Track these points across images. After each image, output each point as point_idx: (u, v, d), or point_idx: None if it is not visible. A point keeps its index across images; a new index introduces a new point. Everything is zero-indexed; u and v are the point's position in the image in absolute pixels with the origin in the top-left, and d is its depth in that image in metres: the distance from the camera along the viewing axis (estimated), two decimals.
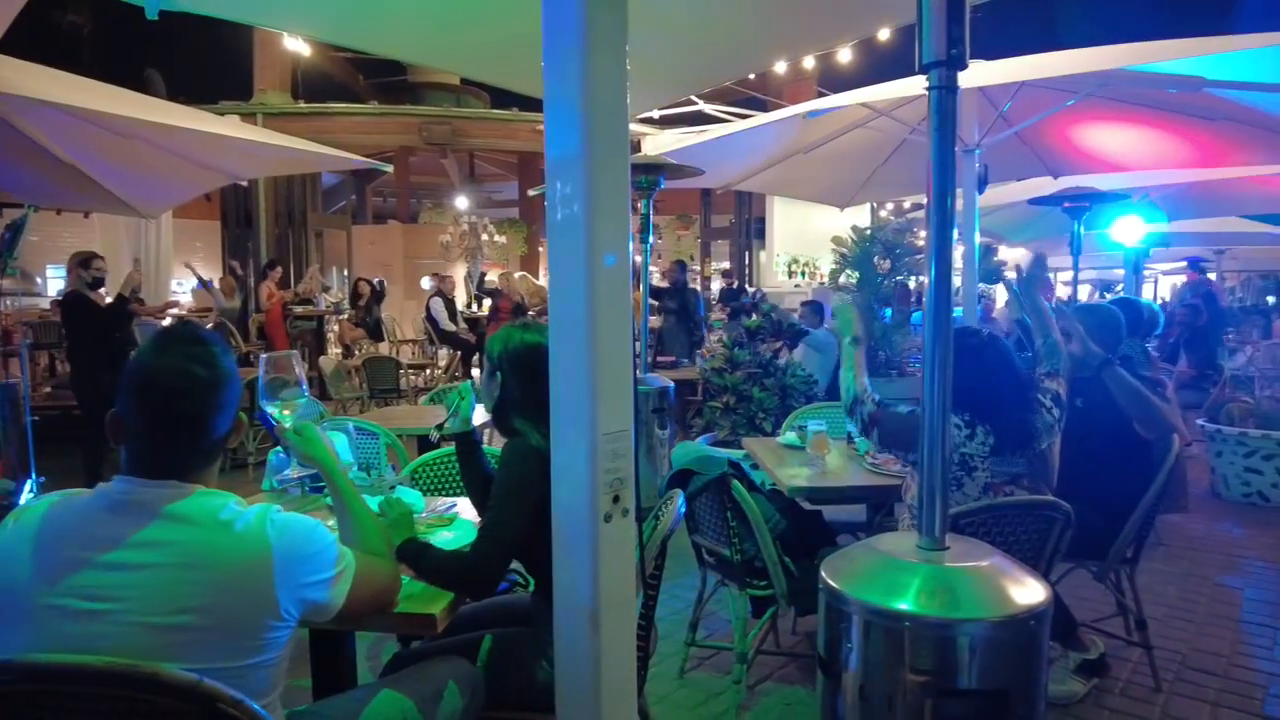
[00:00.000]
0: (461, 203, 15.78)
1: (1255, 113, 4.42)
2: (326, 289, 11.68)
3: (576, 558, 1.64)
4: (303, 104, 12.70)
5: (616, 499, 1.64)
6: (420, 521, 2.21)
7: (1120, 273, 11.85)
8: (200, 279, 9.83)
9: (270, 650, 1.29)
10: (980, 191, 4.65)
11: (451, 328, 10.91)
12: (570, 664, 1.70)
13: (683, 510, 2.25)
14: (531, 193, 8.25)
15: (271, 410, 1.81)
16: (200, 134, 4.53)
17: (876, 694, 1.48)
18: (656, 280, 9.94)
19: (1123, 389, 2.94)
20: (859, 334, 2.65)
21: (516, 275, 12.40)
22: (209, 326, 8.41)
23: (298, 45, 9.02)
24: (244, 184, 9.54)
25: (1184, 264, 13.45)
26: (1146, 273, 14.27)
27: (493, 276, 13.36)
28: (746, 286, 12.91)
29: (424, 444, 4.20)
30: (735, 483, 2.69)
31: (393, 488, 2.49)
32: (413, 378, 9.36)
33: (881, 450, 2.65)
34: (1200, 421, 5.80)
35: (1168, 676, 2.98)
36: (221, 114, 9.44)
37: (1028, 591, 1.47)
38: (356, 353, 10.25)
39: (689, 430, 6.73)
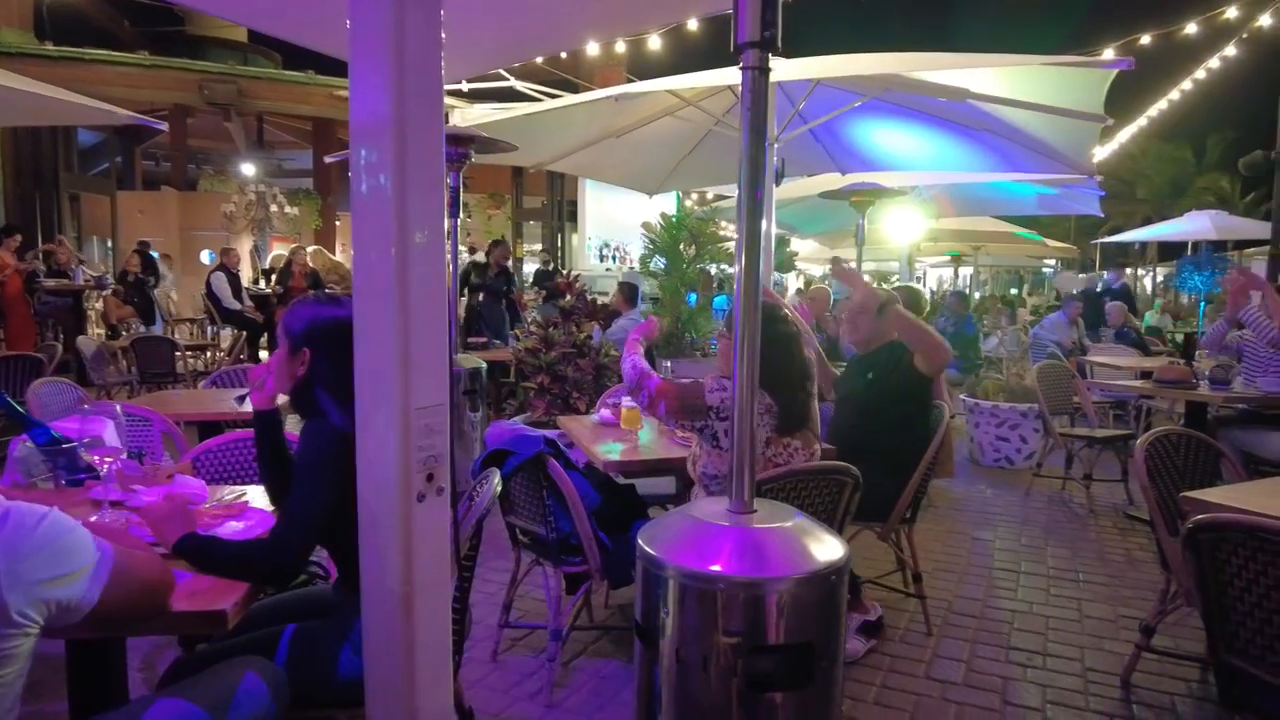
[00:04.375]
0: (248, 170, 14.49)
1: (1007, 126, 5.02)
2: (83, 262, 10.27)
3: (386, 540, 1.55)
4: (50, 46, 11.07)
5: (430, 477, 1.58)
6: (205, 512, 2.00)
7: (896, 264, 13.09)
8: None
9: (2, 665, 1.11)
10: (777, 184, 4.91)
11: (236, 306, 10.01)
12: (379, 653, 1.61)
13: (498, 489, 2.20)
14: (329, 159, 7.71)
15: None
16: None
17: (692, 656, 1.52)
18: (471, 257, 9.67)
19: (902, 323, 3.27)
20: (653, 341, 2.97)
21: (310, 249, 11.58)
22: None
23: None
24: None
25: (948, 258, 15.08)
26: (916, 265, 15.85)
27: (281, 251, 12.43)
28: (560, 269, 12.90)
29: (205, 431, 3.83)
30: (551, 460, 2.68)
31: (170, 476, 2.25)
32: (191, 360, 8.51)
33: (669, 423, 2.76)
34: (962, 396, 6.54)
35: (937, 621, 3.35)
36: None
37: (828, 549, 1.58)
38: (125, 333, 9.16)
39: (502, 412, 6.64)
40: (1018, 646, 3.16)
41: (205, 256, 13.65)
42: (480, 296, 8.53)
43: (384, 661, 1.60)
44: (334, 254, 13.29)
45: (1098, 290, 12.15)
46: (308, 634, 1.82)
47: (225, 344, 10.31)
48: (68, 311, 9.01)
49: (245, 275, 11.57)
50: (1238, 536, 1.86)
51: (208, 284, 10.04)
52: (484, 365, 5.52)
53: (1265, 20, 8.49)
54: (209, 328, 10.54)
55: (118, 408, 2.34)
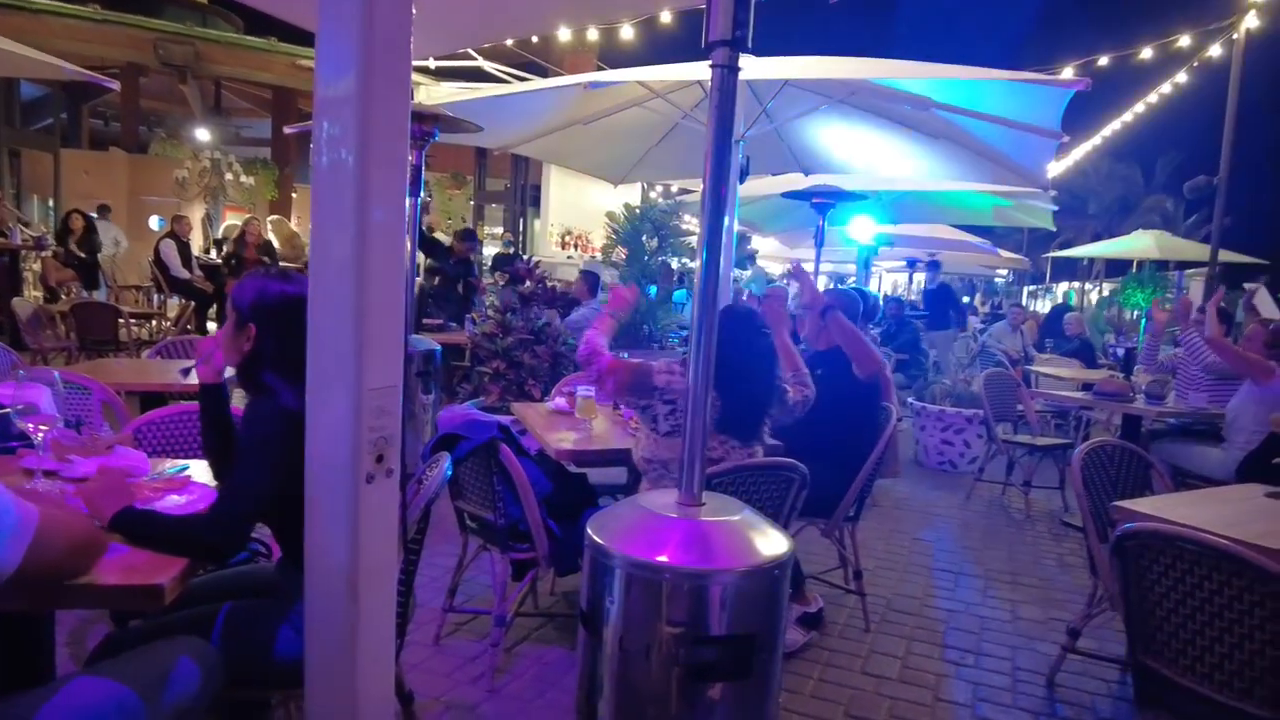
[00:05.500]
0: (203, 135, 14.06)
1: (968, 137, 5.12)
2: (25, 223, 9.87)
3: (333, 521, 1.54)
4: None
5: (380, 459, 1.57)
6: (145, 485, 1.96)
7: (852, 267, 13.27)
8: None
9: None
10: (741, 181, 4.94)
11: (185, 275, 9.73)
12: (322, 634, 1.60)
13: (449, 473, 2.19)
14: (289, 130, 7.51)
15: None
16: None
17: (635, 645, 1.54)
18: (444, 239, 9.52)
19: (840, 329, 3.37)
20: (624, 317, 3.02)
21: (271, 219, 11.32)
22: None
23: None
24: None
25: (904, 263, 15.35)
26: (873, 269, 16.09)
27: (235, 220, 12.13)
28: (520, 254, 12.81)
29: (148, 402, 3.74)
30: (503, 446, 2.68)
31: (110, 447, 2.19)
32: (135, 329, 8.25)
33: (616, 399, 2.80)
34: (910, 400, 6.68)
35: (875, 618, 3.43)
36: None
37: (772, 543, 1.61)
38: (64, 296, 8.85)
39: (455, 396, 6.58)
40: (952, 645, 3.25)
41: (154, 222, 13.23)
42: (436, 280, 8.43)
43: (326, 642, 1.59)
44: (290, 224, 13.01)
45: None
46: (247, 612, 1.80)
47: (172, 313, 10.03)
48: (2, 272, 8.66)
49: (196, 244, 11.25)
50: (1160, 544, 1.94)
51: (156, 251, 9.73)
52: (439, 348, 5.47)
53: (1215, 50, 8.79)
54: (155, 296, 10.24)
55: (56, 374, 2.26)
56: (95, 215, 11.36)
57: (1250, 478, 3.60)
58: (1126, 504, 2.36)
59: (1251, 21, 8.16)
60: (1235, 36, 8.32)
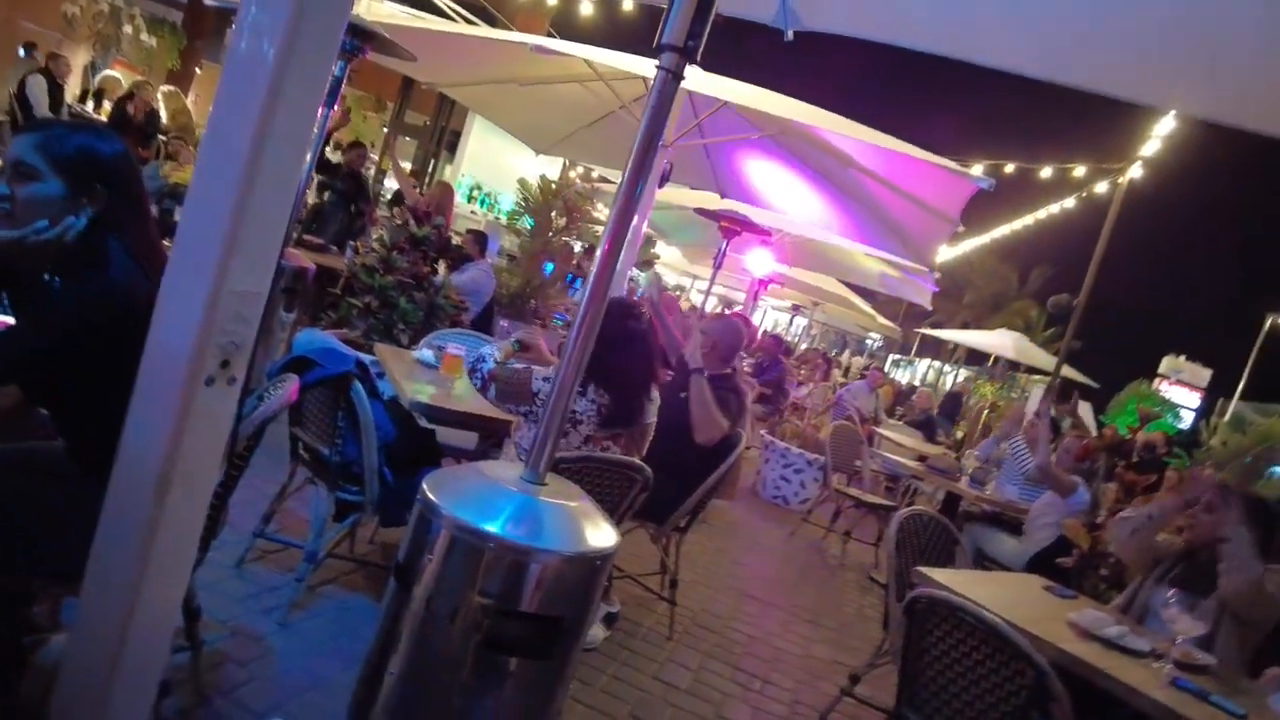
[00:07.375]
0: None
1: (875, 203, 5.39)
2: None
3: (160, 414, 1.46)
4: None
5: (226, 364, 1.49)
6: None
7: (741, 295, 13.65)
8: None
9: None
10: (660, 186, 5.01)
11: (50, 119, 8.83)
12: (117, 528, 1.51)
13: (292, 397, 2.11)
14: (210, 2, 6.95)
15: None
16: None
17: (443, 607, 1.54)
18: (329, 152, 9.04)
19: (695, 398, 3.43)
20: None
21: (165, 89, 10.44)
22: None
23: None
24: None
25: (789, 305, 15.94)
26: (760, 304, 16.61)
27: (115, 74, 11.12)
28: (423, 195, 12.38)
29: None
30: (357, 383, 2.60)
31: None
32: None
33: (499, 403, 2.84)
34: (762, 432, 6.96)
35: (679, 628, 3.55)
36: None
37: (602, 535, 1.65)
38: None
39: (317, 321, 6.30)
40: (744, 669, 3.41)
41: (22, 52, 11.90)
42: (326, 196, 8.03)
43: (118, 538, 1.49)
44: (186, 98, 12.04)
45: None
46: (24, 492, 1.65)
47: None
48: None
49: (71, 92, 10.21)
50: (945, 611, 2.13)
51: (21, 83, 8.77)
52: (312, 267, 5.24)
53: (1102, 187, 9.65)
54: (9, 134, 9.22)
55: None
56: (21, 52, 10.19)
57: (1036, 570, 3.98)
58: (927, 570, 2.56)
59: (1136, 172, 9.01)
60: (1120, 180, 9.16)
